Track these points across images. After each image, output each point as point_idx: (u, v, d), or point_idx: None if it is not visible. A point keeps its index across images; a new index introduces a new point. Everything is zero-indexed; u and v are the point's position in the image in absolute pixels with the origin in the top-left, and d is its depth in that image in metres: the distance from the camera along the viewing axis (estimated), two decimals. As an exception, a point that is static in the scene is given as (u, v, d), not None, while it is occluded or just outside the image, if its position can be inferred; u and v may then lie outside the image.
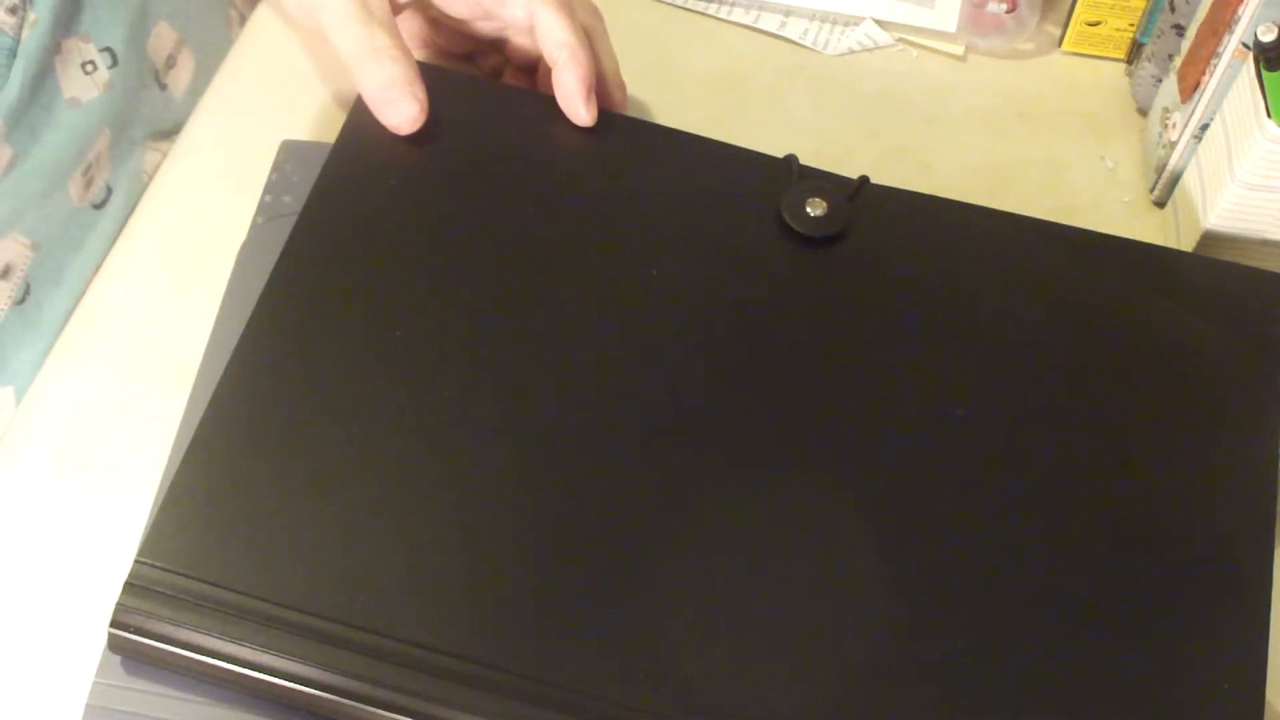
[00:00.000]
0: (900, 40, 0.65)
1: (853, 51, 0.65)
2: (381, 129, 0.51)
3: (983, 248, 0.51)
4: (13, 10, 0.49)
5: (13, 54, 0.50)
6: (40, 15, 0.50)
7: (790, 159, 0.52)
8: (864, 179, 0.51)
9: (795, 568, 0.42)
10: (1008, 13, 0.64)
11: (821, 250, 0.50)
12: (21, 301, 0.52)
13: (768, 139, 0.53)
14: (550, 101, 0.52)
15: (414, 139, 0.51)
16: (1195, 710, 0.40)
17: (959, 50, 0.65)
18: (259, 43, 0.62)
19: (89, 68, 0.53)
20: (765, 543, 0.43)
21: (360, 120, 0.51)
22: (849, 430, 0.46)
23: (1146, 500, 0.45)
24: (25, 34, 0.50)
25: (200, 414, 0.44)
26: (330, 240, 0.48)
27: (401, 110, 0.50)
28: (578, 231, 0.50)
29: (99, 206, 0.55)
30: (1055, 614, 0.42)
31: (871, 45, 0.65)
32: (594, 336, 0.47)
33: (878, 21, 0.65)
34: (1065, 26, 0.64)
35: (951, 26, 0.64)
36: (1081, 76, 0.64)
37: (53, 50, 0.51)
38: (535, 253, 0.49)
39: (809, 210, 0.50)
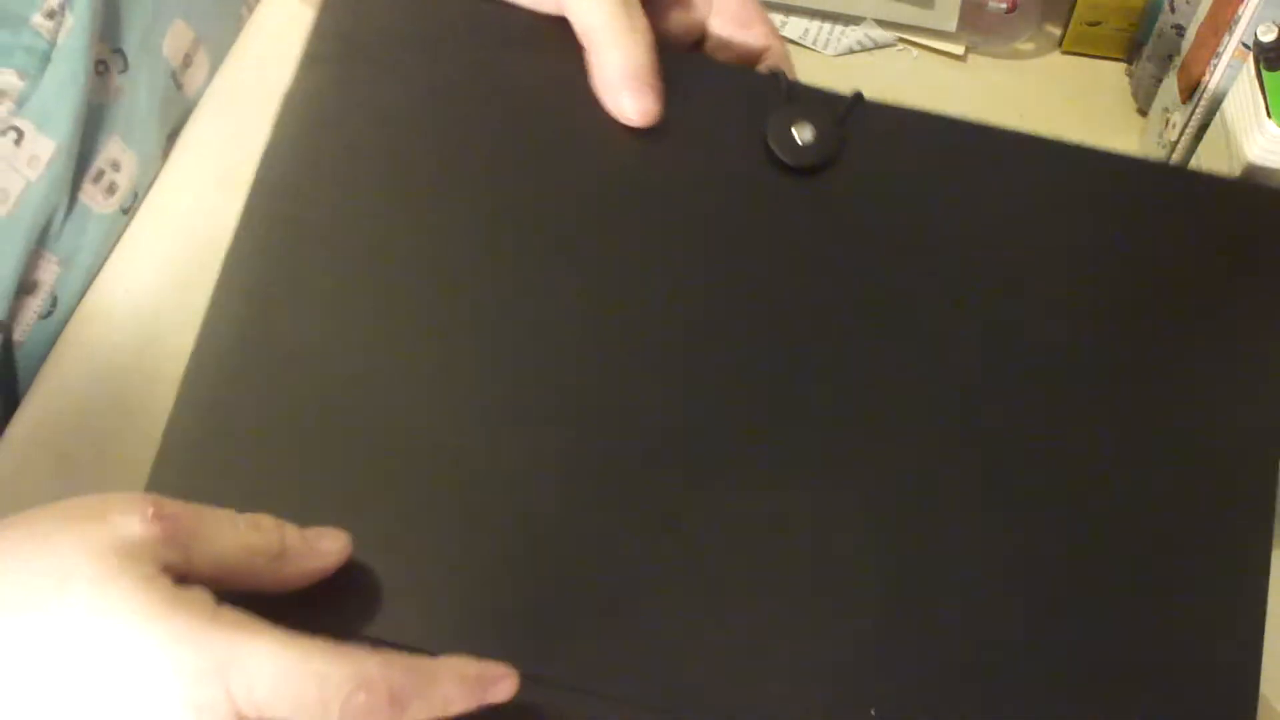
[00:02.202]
0: (900, 40, 0.65)
1: (853, 51, 0.65)
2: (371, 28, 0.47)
3: (985, 169, 0.47)
4: (50, 15, 0.50)
5: (46, 58, 0.50)
6: (78, 21, 0.50)
7: (777, 75, 0.47)
8: (858, 96, 0.47)
9: (791, 522, 0.42)
10: (1008, 13, 0.64)
11: (812, 179, 0.46)
12: (48, 315, 0.52)
13: (768, 139, 0.53)
14: (542, 22, 0.47)
15: (398, 52, 0.47)
16: (1194, 674, 0.40)
17: (959, 50, 0.65)
18: (259, 42, 0.62)
19: (100, 68, 0.53)
20: (759, 498, 0.42)
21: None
22: (848, 374, 0.44)
23: (1155, 433, 0.43)
24: (62, 38, 0.50)
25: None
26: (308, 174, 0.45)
27: (646, 102, 0.45)
28: (547, 169, 0.46)
29: (128, 211, 0.55)
30: (1054, 569, 0.42)
31: (871, 45, 0.65)
32: (569, 295, 0.44)
33: (878, 21, 0.65)
34: (1065, 26, 0.64)
35: (951, 26, 0.64)
36: (1081, 76, 0.64)
37: (88, 55, 0.51)
38: (499, 194, 0.46)
39: (796, 135, 0.45)
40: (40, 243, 0.51)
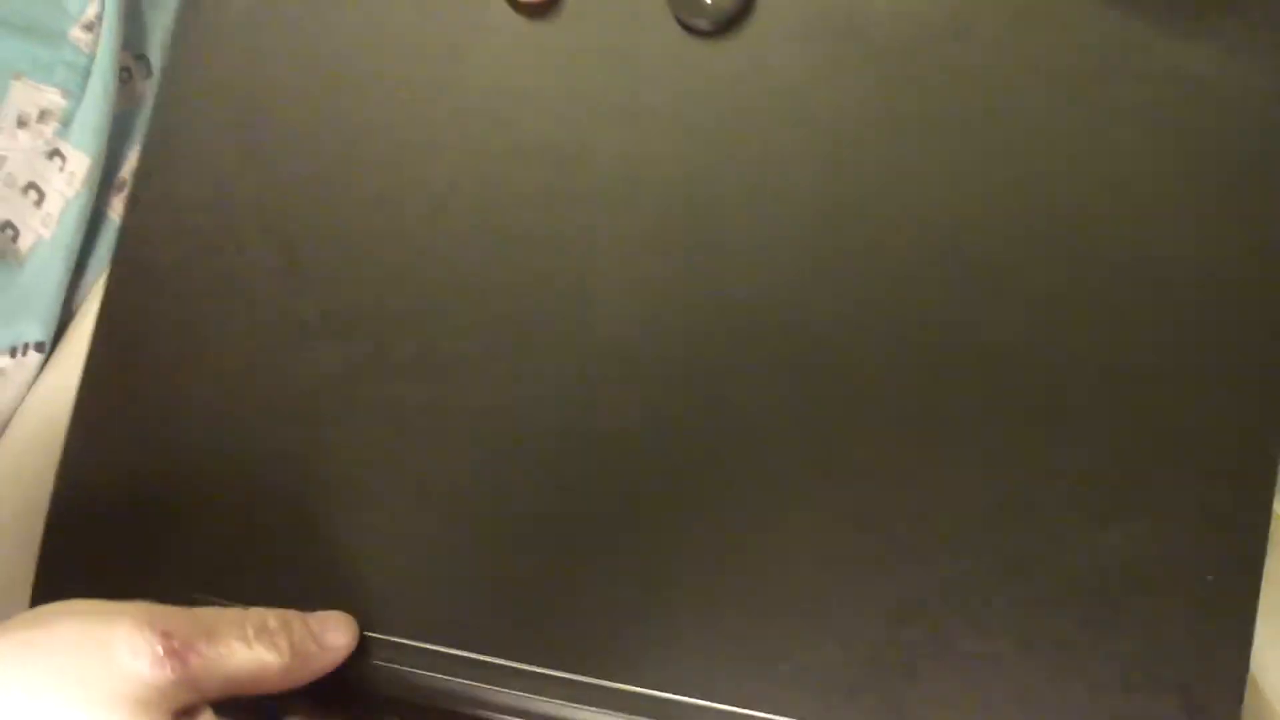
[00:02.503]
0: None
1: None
2: None
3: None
4: (89, 27, 0.50)
5: (87, 73, 0.50)
6: (108, 31, 0.51)
7: None
8: None
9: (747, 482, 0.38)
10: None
11: (729, 38, 0.41)
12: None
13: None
14: None
15: None
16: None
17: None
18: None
19: (124, 75, 0.54)
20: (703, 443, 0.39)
21: None
22: (800, 257, 0.39)
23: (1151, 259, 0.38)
24: (99, 48, 0.50)
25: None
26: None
27: None
28: (445, 63, 0.42)
29: None
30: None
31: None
32: (486, 208, 0.41)
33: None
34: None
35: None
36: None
37: (116, 64, 0.52)
38: (396, 96, 0.42)
39: None
40: (76, 260, 0.52)
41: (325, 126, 0.42)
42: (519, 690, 0.38)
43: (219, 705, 0.35)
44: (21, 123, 0.48)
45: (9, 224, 0.48)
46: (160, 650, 0.32)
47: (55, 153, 0.49)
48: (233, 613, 0.35)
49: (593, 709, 0.38)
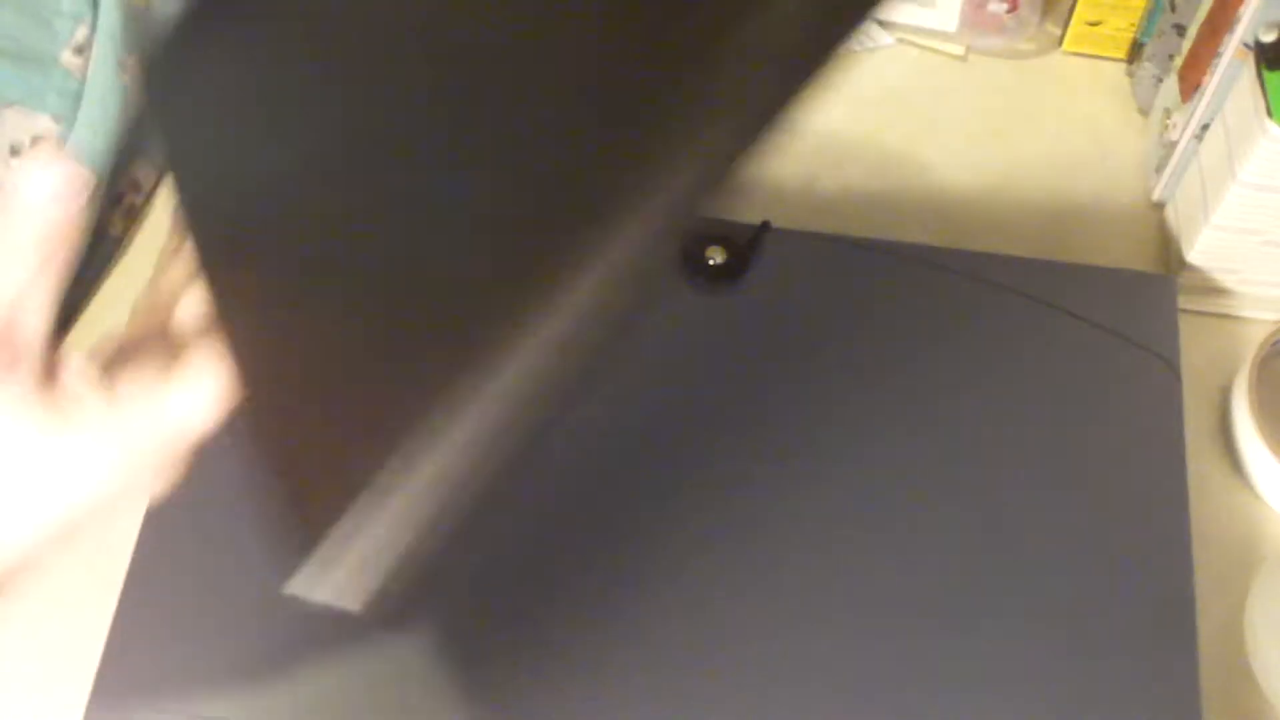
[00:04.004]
0: (900, 40, 0.65)
1: (853, 51, 0.65)
2: None
3: (886, 283, 0.52)
4: (79, 50, 0.49)
5: (79, 97, 0.49)
6: (102, 46, 0.50)
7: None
8: (765, 224, 0.52)
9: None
10: (1008, 13, 0.63)
11: (723, 296, 0.50)
12: None
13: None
14: None
15: None
16: None
17: (959, 50, 0.65)
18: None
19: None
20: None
21: None
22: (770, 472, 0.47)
23: (1068, 506, 0.47)
24: (90, 70, 0.49)
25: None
26: None
27: None
28: None
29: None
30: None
31: (872, 45, 0.65)
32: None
33: (878, 21, 0.65)
34: (1065, 26, 0.64)
35: (952, 26, 0.64)
36: (1081, 76, 0.64)
37: (119, 74, 0.51)
38: None
39: (709, 258, 0.51)
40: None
41: None
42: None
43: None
44: (15, 151, 0.48)
45: None
46: None
47: None
48: None
49: None
